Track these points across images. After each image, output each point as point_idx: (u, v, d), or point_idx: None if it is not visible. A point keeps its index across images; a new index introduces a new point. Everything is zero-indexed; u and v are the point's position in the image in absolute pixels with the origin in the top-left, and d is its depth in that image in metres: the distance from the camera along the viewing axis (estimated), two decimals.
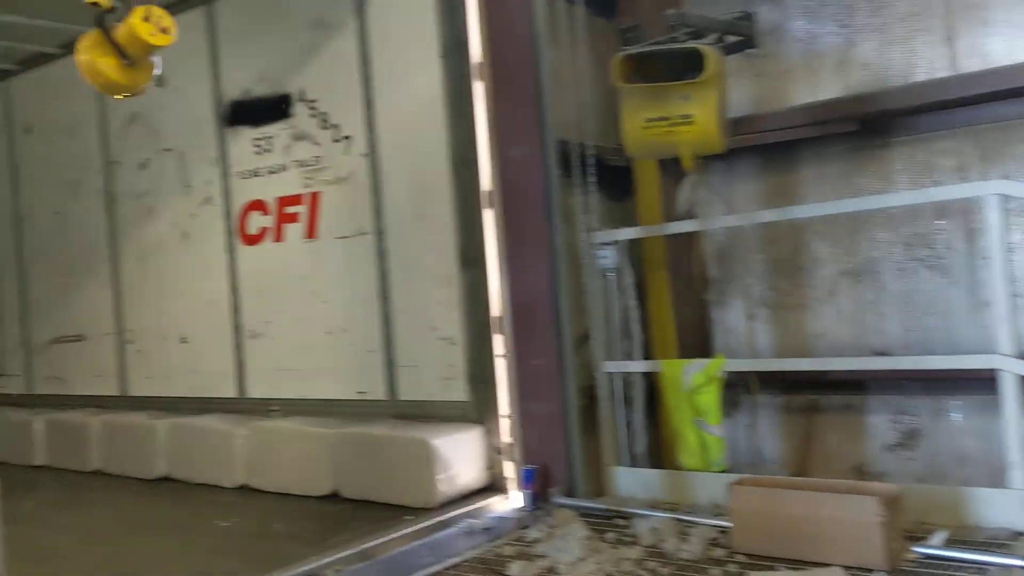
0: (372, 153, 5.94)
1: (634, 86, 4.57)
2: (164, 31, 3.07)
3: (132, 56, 3.07)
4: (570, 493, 5.11)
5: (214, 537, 5.16)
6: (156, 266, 7.31)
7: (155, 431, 6.71)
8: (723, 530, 4.32)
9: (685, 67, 4.45)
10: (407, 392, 5.90)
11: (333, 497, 5.68)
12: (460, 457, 5.36)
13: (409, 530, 4.83)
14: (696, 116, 4.42)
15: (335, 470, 5.69)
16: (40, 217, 8.23)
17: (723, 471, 4.93)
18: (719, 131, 4.45)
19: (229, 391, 6.83)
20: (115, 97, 3.29)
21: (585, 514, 4.83)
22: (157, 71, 3.25)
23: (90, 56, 3.11)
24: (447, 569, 4.26)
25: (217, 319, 6.85)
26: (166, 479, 6.65)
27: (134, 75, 3.17)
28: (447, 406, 5.69)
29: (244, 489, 6.16)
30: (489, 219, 5.40)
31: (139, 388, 7.51)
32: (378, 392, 6.01)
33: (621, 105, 4.70)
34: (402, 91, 5.79)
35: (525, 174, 5.21)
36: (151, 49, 3.09)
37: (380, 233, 5.93)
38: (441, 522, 4.95)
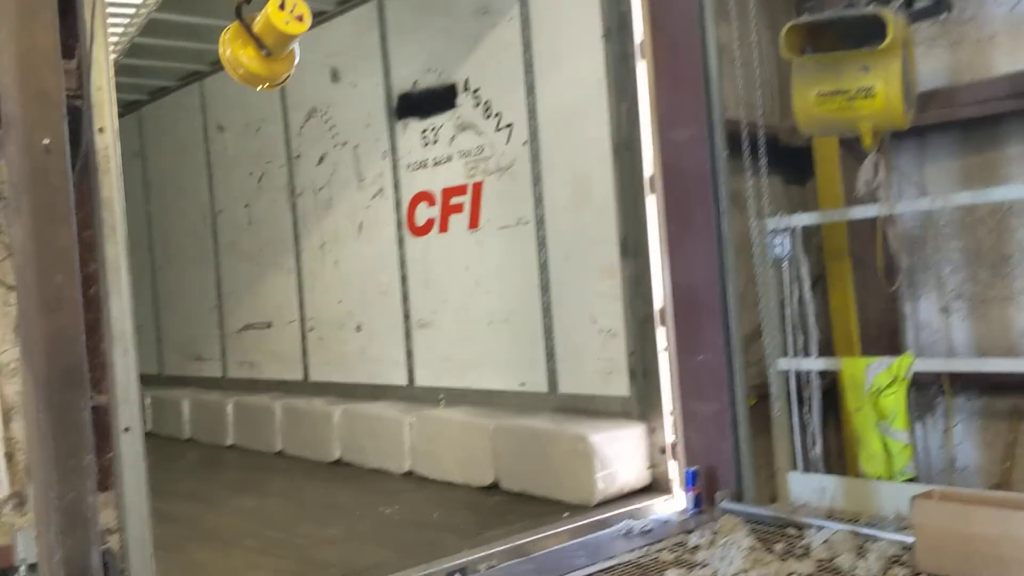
0: (533, 140, 5.82)
1: (806, 57, 4.18)
2: (299, 19, 3.06)
3: (270, 46, 3.09)
4: (737, 498, 4.79)
5: (375, 523, 5.22)
6: (334, 257, 7.52)
7: (330, 416, 6.92)
8: (906, 547, 3.90)
9: (864, 36, 4.01)
10: (567, 385, 5.75)
11: (493, 488, 5.63)
12: (620, 455, 5.16)
13: (565, 528, 4.68)
14: (877, 89, 3.98)
15: (495, 462, 5.64)
16: (232, 211, 8.68)
17: (910, 481, 4.47)
18: (904, 105, 3.99)
19: (400, 379, 6.94)
20: (257, 88, 3.33)
21: (753, 521, 4.51)
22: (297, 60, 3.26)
23: (230, 48, 3.16)
24: (601, 572, 4.08)
25: (388, 308, 6.98)
26: (340, 463, 6.84)
27: (274, 65, 3.18)
28: (608, 401, 5.50)
29: (411, 476, 6.23)
30: (652, 206, 5.15)
31: (319, 374, 7.78)
32: (539, 384, 5.90)
33: (792, 79, 4.32)
34: (563, 75, 5.63)
35: (690, 157, 4.92)
36: (287, 38, 3.09)
37: (540, 222, 5.81)
38: (598, 521, 4.77)
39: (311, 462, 7.04)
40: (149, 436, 8.90)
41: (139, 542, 2.88)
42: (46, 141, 2.19)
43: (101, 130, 2.86)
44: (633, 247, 5.32)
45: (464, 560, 4.30)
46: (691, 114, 4.89)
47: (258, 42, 3.09)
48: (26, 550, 2.63)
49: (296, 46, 3.22)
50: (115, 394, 2.88)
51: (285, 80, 3.28)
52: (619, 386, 5.44)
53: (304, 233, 7.81)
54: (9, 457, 2.83)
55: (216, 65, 8.44)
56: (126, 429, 2.88)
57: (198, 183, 9.06)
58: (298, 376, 7.96)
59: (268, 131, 8.07)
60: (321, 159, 7.54)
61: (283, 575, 4.41)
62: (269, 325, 8.29)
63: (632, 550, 4.34)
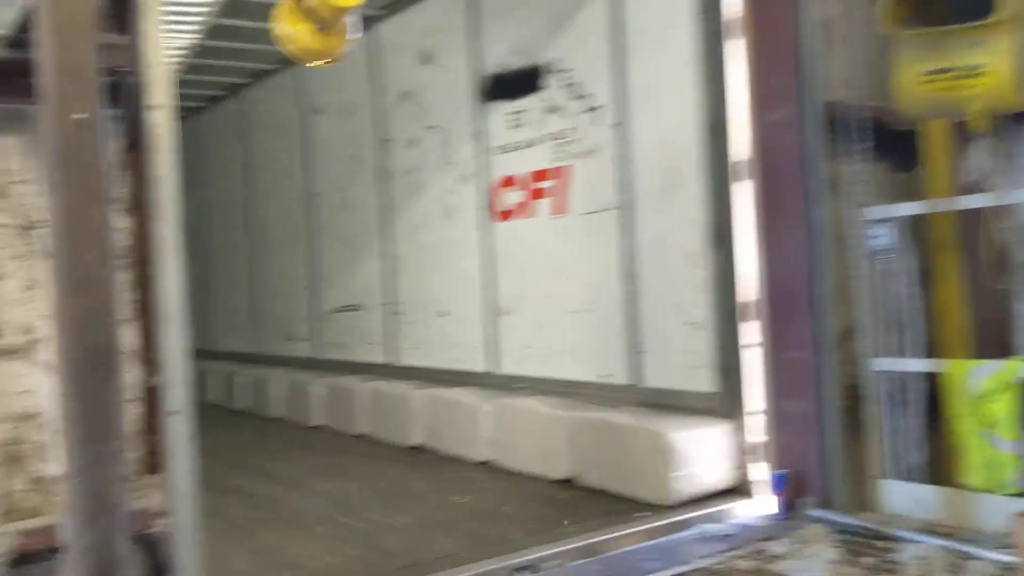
0: (621, 123, 5.60)
1: (910, 33, 3.84)
2: None
3: (324, 20, 2.98)
4: (826, 505, 4.52)
5: (446, 513, 5.13)
6: (422, 241, 7.46)
7: (411, 401, 6.87)
8: (1007, 568, 3.57)
9: (976, 8, 3.66)
10: (651, 379, 5.53)
11: (569, 483, 5.46)
12: (702, 454, 4.92)
13: (638, 529, 4.50)
14: (988, 66, 3.62)
15: (572, 455, 5.47)
16: (327, 194, 8.73)
17: (1015, 495, 4.10)
18: (1018, 84, 3.62)
19: (482, 366, 6.84)
20: (311, 65, 3.24)
21: (841, 531, 4.24)
22: (356, 35, 3.15)
23: (284, 24, 3.07)
24: None
25: (472, 294, 6.87)
26: (421, 449, 6.79)
27: (329, 40, 3.09)
28: (692, 397, 5.26)
29: (487, 465, 6.12)
30: (743, 192, 4.88)
31: (405, 358, 7.75)
32: (621, 376, 5.70)
33: (894, 56, 3.98)
34: (653, 55, 5.38)
35: (784, 140, 4.64)
36: (341, 11, 2.98)
37: (627, 208, 5.59)
38: (675, 523, 4.57)
39: (393, 446, 7.02)
40: (244, 415, 9.13)
41: (185, 526, 2.83)
42: (78, 116, 2.14)
43: (153, 107, 2.81)
44: (722, 235, 5.05)
45: (531, 557, 4.17)
46: (786, 94, 4.61)
47: (312, 16, 3.00)
48: None
49: (353, 20, 3.10)
50: (164, 376, 2.84)
51: (341, 56, 3.17)
52: (705, 381, 5.19)
53: (394, 217, 7.78)
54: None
55: None
56: (174, 412, 2.83)
57: (294, 166, 9.15)
58: (385, 359, 7.96)
59: (361, 114, 8.07)
60: (411, 142, 7.48)
61: (347, 561, 4.36)
62: (359, 308, 8.32)
63: (708, 556, 4.13)
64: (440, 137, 7.15)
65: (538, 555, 4.18)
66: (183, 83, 10.00)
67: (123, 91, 2.87)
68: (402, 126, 7.58)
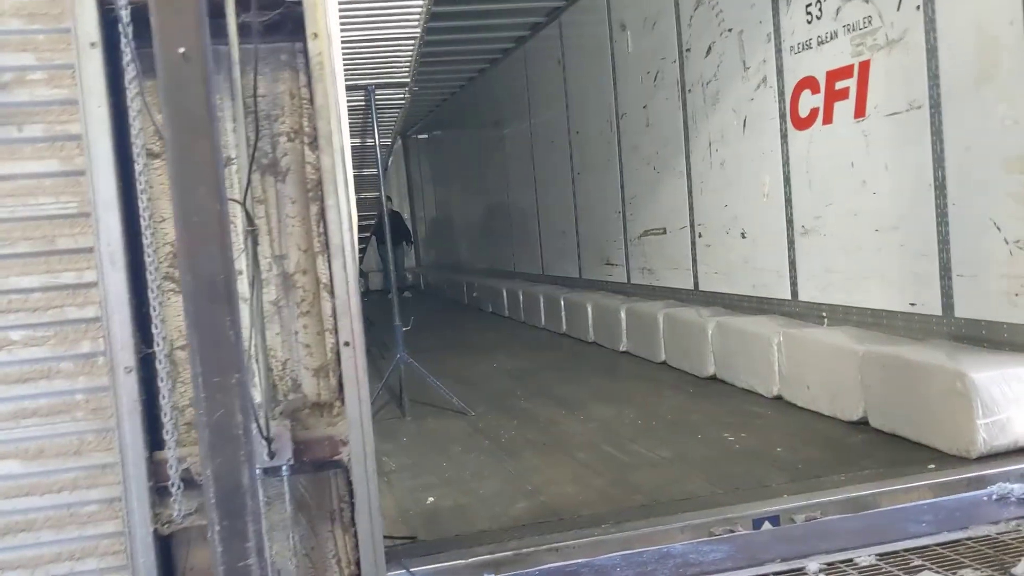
0: (928, 3, 4.68)
1: None
2: None
3: None
4: None
5: (711, 450, 4.77)
6: (720, 156, 6.95)
7: (704, 329, 6.49)
8: None
9: None
10: (965, 308, 4.67)
11: (861, 424, 4.83)
12: (1018, 399, 4.06)
13: (918, 484, 3.84)
14: None
15: (865, 394, 4.81)
16: (632, 113, 8.45)
17: None
18: None
19: (783, 292, 6.26)
20: None
21: None
22: None
23: None
24: (938, 544, 3.25)
25: (771, 212, 6.28)
26: (714, 379, 6.42)
27: None
28: (1015, 330, 4.36)
29: (779, 401, 5.61)
30: None
31: (708, 283, 7.36)
32: (931, 306, 4.88)
33: None
34: None
35: None
36: None
37: (935, 105, 4.69)
38: (968, 480, 3.83)
39: (687, 375, 6.71)
40: (565, 338, 9.29)
41: (360, 456, 2.85)
42: (181, 49, 2.13)
43: (315, 35, 2.77)
44: None
45: (779, 508, 3.72)
46: None
47: None
48: None
49: None
50: (335, 309, 2.85)
51: None
52: None
53: (693, 132, 7.32)
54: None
55: None
56: (345, 343, 2.84)
57: (604, 86, 8.96)
58: (689, 285, 7.61)
59: (662, 25, 7.64)
60: (708, 50, 6.93)
61: (587, 493, 4.20)
62: (664, 231, 8.01)
63: (996, 521, 3.41)
64: (736, 40, 6.54)
65: (789, 505, 3.73)
66: (505, 12, 10.22)
67: (292, 23, 2.87)
68: (700, 33, 7.05)
